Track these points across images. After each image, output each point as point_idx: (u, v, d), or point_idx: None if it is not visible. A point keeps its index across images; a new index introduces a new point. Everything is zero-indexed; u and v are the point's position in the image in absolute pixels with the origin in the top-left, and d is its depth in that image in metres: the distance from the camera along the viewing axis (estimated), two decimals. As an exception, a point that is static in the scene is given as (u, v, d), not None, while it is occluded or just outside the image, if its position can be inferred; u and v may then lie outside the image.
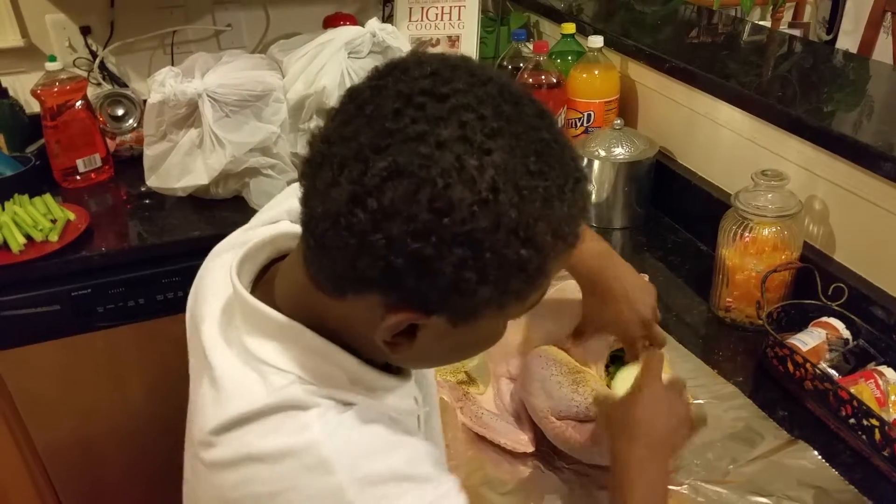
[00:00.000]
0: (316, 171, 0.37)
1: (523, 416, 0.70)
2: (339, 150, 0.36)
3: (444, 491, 0.40)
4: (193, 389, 0.47)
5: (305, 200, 0.38)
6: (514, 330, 0.72)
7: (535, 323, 0.72)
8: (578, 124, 1.15)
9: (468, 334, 0.40)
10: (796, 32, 1.64)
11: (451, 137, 0.34)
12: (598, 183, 1.07)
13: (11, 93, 1.29)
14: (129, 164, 1.23)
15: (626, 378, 0.64)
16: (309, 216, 0.37)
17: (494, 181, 0.34)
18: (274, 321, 0.42)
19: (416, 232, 0.34)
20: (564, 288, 0.72)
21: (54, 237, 1.02)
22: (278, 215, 0.53)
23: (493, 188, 0.34)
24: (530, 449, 0.68)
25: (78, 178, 1.20)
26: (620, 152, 1.05)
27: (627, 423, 0.56)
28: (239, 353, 0.43)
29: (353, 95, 0.38)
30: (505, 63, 1.28)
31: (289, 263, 0.45)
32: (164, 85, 1.00)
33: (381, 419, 0.42)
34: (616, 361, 0.70)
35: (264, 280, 0.46)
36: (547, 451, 0.69)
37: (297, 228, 0.47)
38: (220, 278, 0.47)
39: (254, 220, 0.55)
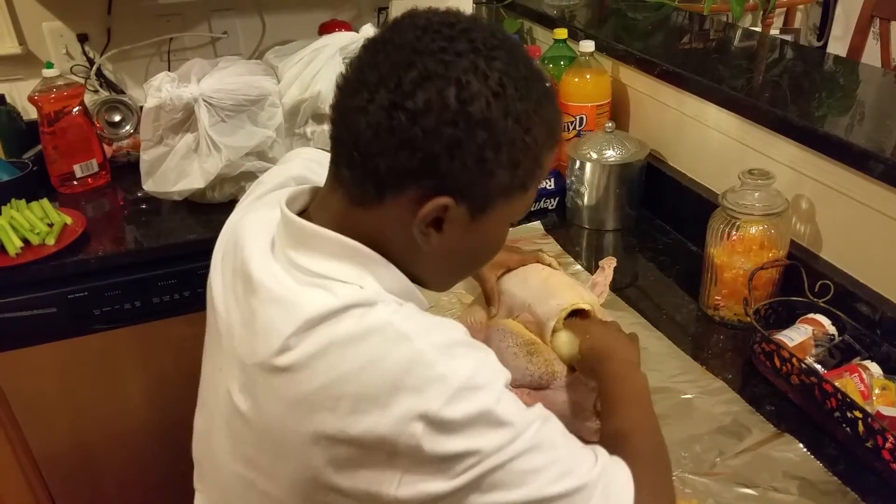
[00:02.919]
0: (352, 95, 0.46)
1: None
2: (372, 73, 0.45)
3: (493, 356, 0.48)
4: (245, 321, 0.50)
5: (344, 122, 0.47)
6: (480, 308, 0.79)
7: (500, 299, 0.78)
8: (571, 128, 1.16)
9: (481, 233, 0.50)
10: (787, 38, 1.66)
11: (465, 49, 0.45)
12: (590, 185, 1.09)
13: (8, 99, 1.30)
14: (125, 169, 1.25)
15: (560, 338, 0.71)
16: (350, 134, 0.46)
17: (501, 80, 0.45)
18: (334, 241, 0.48)
19: (448, 121, 0.44)
20: (532, 269, 0.78)
21: (51, 241, 1.03)
22: (285, 182, 0.60)
23: (501, 84, 0.45)
24: None
25: (75, 183, 1.21)
26: (612, 155, 1.07)
27: (595, 354, 0.66)
28: (296, 277, 0.48)
29: (374, 38, 0.48)
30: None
31: (320, 203, 0.52)
32: (160, 90, 1.01)
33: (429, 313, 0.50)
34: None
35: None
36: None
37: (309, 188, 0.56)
38: (255, 224, 0.54)
39: (259, 189, 0.61)
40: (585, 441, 0.67)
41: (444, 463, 0.43)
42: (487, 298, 0.79)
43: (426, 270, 0.52)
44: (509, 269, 0.80)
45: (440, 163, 0.45)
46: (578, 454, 0.48)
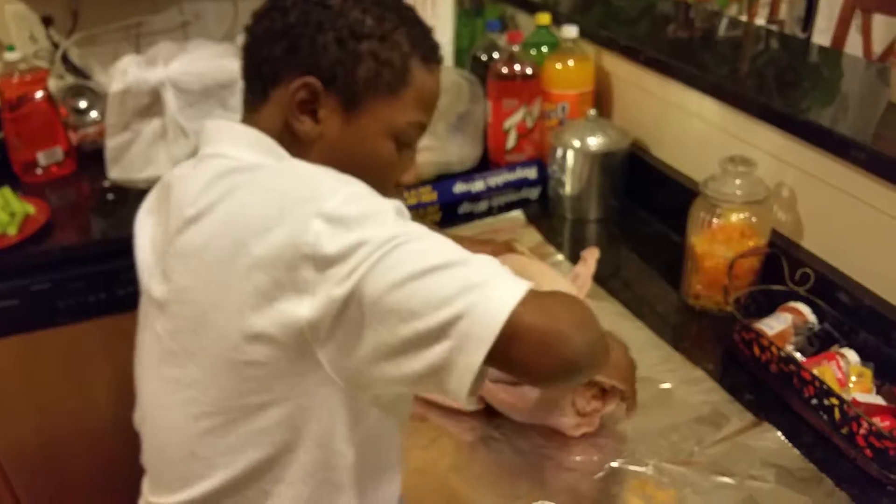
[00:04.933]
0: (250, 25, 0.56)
1: None
2: (265, 3, 0.55)
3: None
4: (161, 219, 0.55)
5: (244, 46, 0.55)
6: None
7: None
8: (553, 115, 1.14)
9: (359, 134, 0.54)
10: (772, 28, 1.65)
11: None
12: (573, 174, 1.07)
13: (-30, 85, 1.25)
14: (92, 157, 1.20)
15: None
16: (246, 50, 0.55)
17: None
18: (240, 131, 0.54)
19: (310, 10, 0.52)
20: (507, 258, 0.76)
21: (13, 230, 0.99)
22: None
23: None
24: (477, 407, 0.70)
25: (39, 171, 1.17)
26: (594, 143, 1.05)
27: None
28: (212, 163, 0.52)
29: None
30: (479, 54, 1.27)
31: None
32: (126, 73, 0.98)
33: None
34: None
35: None
36: (511, 433, 0.69)
37: None
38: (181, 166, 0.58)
39: None
40: (566, 436, 0.67)
41: (343, 259, 0.45)
42: None
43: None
44: None
45: (304, 43, 0.52)
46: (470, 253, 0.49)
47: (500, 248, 0.80)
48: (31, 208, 1.04)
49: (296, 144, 0.53)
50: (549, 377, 0.49)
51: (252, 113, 0.55)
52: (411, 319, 0.44)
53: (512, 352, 0.45)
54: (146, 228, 0.58)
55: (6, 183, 1.08)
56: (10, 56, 1.12)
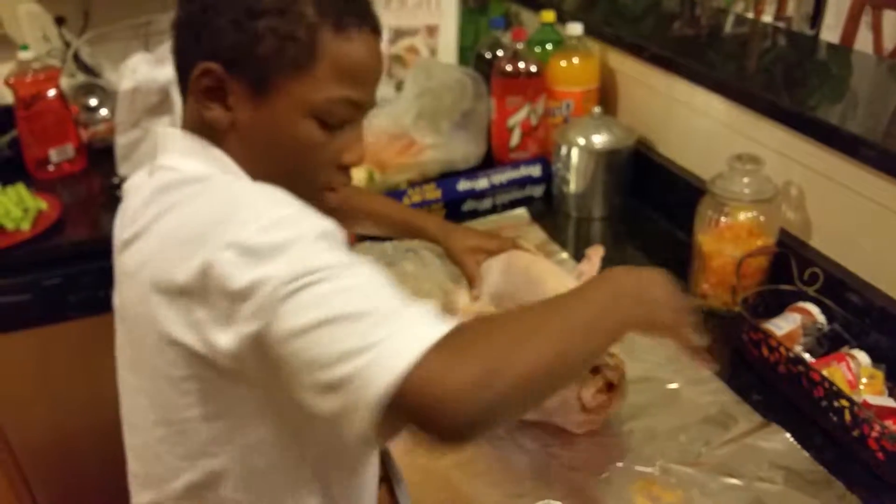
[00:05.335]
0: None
1: None
2: None
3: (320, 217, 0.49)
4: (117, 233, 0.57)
5: (174, 49, 0.54)
6: (462, 292, 0.78)
7: (481, 284, 0.78)
8: (557, 113, 1.14)
9: (274, 116, 0.51)
10: (780, 25, 1.64)
11: None
12: (577, 172, 1.07)
13: (-16, 83, 1.26)
14: (102, 154, 1.22)
15: None
16: (174, 45, 0.54)
17: None
18: (184, 138, 0.53)
19: None
20: (513, 255, 0.77)
21: (26, 226, 1.01)
22: None
23: None
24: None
25: (51, 168, 1.18)
26: (599, 141, 1.05)
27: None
28: (158, 176, 0.53)
29: None
30: (483, 51, 1.27)
31: None
32: (136, 71, 0.99)
33: None
34: None
35: None
36: (515, 431, 0.69)
37: None
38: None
39: None
40: (572, 435, 0.67)
41: (248, 295, 0.43)
42: (469, 282, 0.78)
43: (242, 160, 0.53)
44: (489, 255, 0.79)
45: (203, 29, 0.50)
46: (389, 293, 0.44)
47: (506, 243, 0.80)
48: (43, 204, 1.06)
49: (211, 135, 0.52)
50: (444, 439, 0.42)
51: (185, 107, 0.55)
52: (308, 370, 0.43)
53: (403, 413, 0.41)
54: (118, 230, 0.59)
55: (20, 179, 1.10)
56: (23, 55, 1.14)
